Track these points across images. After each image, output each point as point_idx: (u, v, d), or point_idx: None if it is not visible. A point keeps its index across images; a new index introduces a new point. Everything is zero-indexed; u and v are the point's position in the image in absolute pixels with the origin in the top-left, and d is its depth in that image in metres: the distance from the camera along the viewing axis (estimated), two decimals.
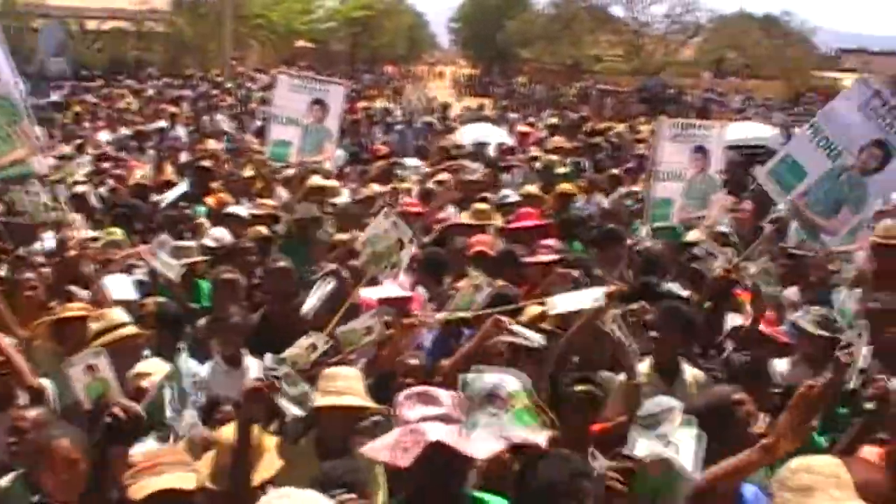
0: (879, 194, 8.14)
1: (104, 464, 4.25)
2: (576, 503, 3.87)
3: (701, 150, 9.11)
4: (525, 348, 5.71)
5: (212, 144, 15.36)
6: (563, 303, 5.92)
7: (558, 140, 17.56)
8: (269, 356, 4.92)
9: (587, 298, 5.77)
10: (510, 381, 4.11)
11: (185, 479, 4.09)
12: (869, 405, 5.06)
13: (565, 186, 11.47)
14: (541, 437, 4.00)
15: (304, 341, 5.40)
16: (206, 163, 12.43)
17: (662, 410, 4.47)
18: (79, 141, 16.41)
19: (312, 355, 5.36)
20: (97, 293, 6.91)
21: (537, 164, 14.05)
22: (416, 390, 3.95)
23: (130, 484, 4.06)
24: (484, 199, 10.48)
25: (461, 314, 6.40)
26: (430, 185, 11.80)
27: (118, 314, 6.05)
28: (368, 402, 4.89)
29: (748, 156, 15.75)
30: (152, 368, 5.30)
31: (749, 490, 4.20)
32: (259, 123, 19.11)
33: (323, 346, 5.46)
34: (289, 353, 5.27)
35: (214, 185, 11.33)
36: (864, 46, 73.31)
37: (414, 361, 5.77)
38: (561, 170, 13.41)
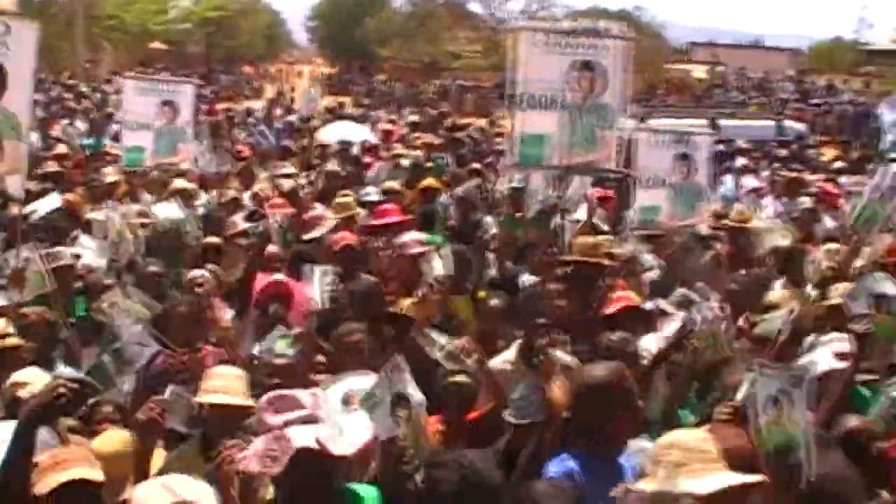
0: (621, 107, 8.29)
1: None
2: None
3: None
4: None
5: (62, 149, 15.00)
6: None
7: (427, 136, 17.81)
8: None
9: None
10: (361, 383, 4.23)
11: (94, 472, 4.02)
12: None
13: (429, 181, 11.67)
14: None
15: None
16: (56, 167, 12.24)
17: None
18: None
19: None
20: None
21: (404, 161, 14.18)
22: (275, 394, 4.00)
23: (35, 483, 3.93)
24: (346, 193, 10.57)
25: None
26: (296, 183, 11.85)
27: (1, 324, 5.96)
28: (246, 401, 4.92)
29: None
30: (30, 378, 5.23)
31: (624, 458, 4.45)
32: (116, 127, 18.71)
33: None
34: None
35: (77, 190, 11.11)
36: (713, 39, 75.78)
37: (280, 361, 5.77)
38: (428, 165, 13.60)
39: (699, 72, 52.49)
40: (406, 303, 6.65)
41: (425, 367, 5.93)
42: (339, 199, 10.02)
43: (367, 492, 4.13)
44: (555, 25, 8.04)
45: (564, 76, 7.94)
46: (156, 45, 57.83)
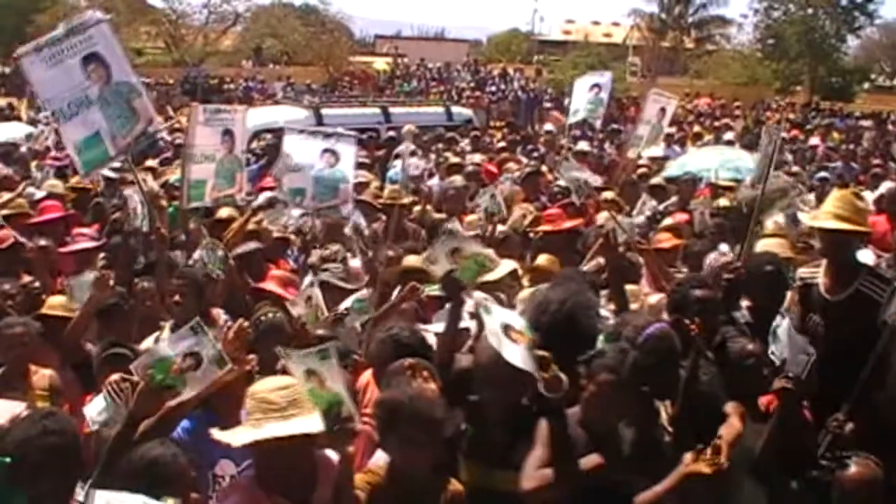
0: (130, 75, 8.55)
1: None
2: None
3: (228, 133, 9.64)
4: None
5: None
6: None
7: None
8: None
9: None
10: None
11: None
12: None
13: (76, 180, 11.82)
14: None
15: None
16: None
17: None
18: None
19: None
20: None
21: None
22: None
23: None
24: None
25: None
26: None
27: None
28: None
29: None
30: None
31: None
32: None
33: None
34: None
35: None
36: (400, 32, 77.91)
37: None
38: None
39: (381, 63, 53.88)
40: (57, 301, 6.99)
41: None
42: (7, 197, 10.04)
43: None
44: (48, 37, 8.20)
45: (81, 75, 8.06)
46: None
